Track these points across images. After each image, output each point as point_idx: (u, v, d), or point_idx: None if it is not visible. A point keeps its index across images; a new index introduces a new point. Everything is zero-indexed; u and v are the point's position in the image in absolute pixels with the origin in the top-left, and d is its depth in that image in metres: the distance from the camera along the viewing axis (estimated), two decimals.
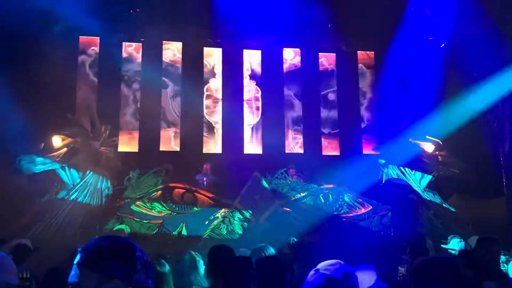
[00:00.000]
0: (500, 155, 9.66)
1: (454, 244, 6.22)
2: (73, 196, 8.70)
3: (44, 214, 8.37)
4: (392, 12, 11.24)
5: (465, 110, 9.46)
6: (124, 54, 11.82)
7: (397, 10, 11.43)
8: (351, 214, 8.85)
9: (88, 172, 9.03)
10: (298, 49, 12.73)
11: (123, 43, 11.78)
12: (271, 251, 4.04)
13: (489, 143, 9.69)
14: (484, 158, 9.75)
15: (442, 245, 6.65)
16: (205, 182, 10.00)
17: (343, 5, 11.21)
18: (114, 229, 8.39)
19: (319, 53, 12.79)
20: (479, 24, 9.13)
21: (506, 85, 9.11)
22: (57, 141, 9.17)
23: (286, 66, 12.66)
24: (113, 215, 8.62)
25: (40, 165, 8.66)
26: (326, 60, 12.83)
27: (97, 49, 11.58)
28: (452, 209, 9.15)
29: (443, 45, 11.78)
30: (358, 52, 12.89)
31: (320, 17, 11.34)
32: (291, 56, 12.74)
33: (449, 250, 6.13)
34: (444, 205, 9.18)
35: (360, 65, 12.88)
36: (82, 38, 11.53)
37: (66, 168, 8.93)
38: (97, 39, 11.58)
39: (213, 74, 12.27)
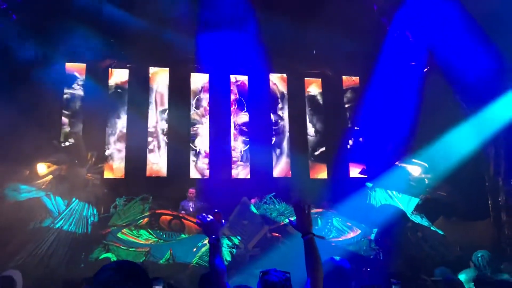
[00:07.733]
0: (485, 178, 9.75)
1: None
2: (59, 225, 8.54)
3: (29, 243, 8.19)
4: (376, 37, 11.46)
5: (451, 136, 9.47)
6: (111, 80, 11.81)
7: (381, 36, 11.66)
8: (340, 239, 8.82)
9: (73, 199, 8.88)
10: (284, 74, 12.87)
11: (110, 69, 11.79)
12: None
13: (474, 166, 9.78)
14: (470, 181, 9.83)
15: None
16: (191, 208, 9.88)
17: (328, 31, 11.39)
18: (100, 257, 8.24)
19: (305, 79, 12.94)
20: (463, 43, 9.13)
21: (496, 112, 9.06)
22: (42, 168, 9.03)
23: (272, 91, 12.76)
24: (99, 244, 8.47)
25: (25, 193, 8.51)
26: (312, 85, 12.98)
27: (83, 75, 11.55)
28: (441, 232, 9.17)
29: (426, 69, 12.01)
30: (343, 77, 13.07)
31: (305, 43, 11.50)
32: (277, 81, 12.87)
33: None
34: (432, 228, 9.20)
35: (345, 90, 13.04)
36: (69, 65, 11.50)
37: (52, 195, 8.78)
38: (83, 66, 11.57)
39: (200, 100, 12.30)
